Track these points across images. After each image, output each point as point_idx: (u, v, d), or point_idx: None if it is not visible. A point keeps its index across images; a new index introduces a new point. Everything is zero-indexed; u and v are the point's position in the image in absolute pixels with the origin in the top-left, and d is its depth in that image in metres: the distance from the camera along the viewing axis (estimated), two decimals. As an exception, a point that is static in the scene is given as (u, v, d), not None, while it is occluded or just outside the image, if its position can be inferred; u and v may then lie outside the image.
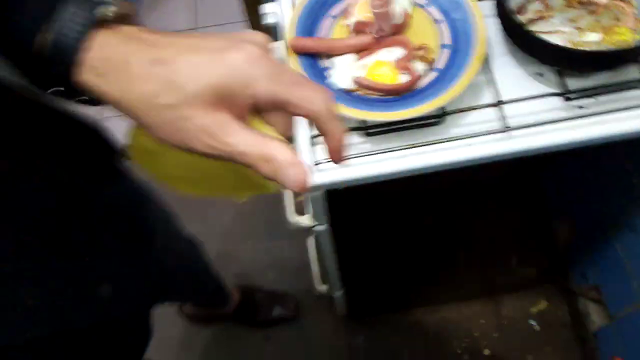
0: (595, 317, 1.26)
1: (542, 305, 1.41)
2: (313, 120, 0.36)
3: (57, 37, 0.33)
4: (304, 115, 0.35)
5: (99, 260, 0.59)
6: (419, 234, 1.47)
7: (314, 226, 0.83)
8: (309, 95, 0.35)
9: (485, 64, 0.71)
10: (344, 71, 0.69)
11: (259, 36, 0.36)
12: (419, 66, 0.68)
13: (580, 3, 0.69)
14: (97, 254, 0.59)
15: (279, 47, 0.72)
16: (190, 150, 0.34)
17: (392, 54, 0.69)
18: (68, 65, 0.33)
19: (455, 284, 1.44)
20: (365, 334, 1.41)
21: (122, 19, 0.35)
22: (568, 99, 0.68)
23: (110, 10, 0.34)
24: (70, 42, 0.33)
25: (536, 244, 1.44)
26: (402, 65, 0.68)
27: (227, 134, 0.33)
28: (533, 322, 1.40)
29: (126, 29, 0.35)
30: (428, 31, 0.71)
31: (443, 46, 0.70)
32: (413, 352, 1.38)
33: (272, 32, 0.78)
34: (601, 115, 0.68)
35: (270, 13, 0.79)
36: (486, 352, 1.37)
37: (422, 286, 1.44)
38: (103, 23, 0.34)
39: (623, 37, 0.67)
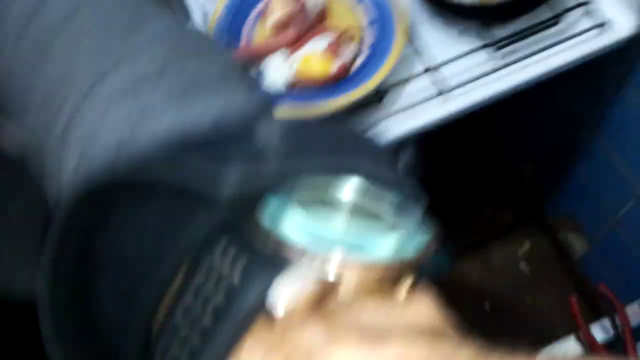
0: (577, 245, 1.30)
1: (527, 246, 1.46)
2: None
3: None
4: None
5: None
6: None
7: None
8: None
9: (411, 33, 0.74)
10: (277, 71, 0.70)
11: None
12: (349, 49, 0.70)
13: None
14: None
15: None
16: None
17: (320, 43, 0.71)
18: None
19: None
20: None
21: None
22: (493, 48, 0.71)
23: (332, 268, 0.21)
24: None
25: (506, 189, 1.48)
26: (332, 51, 0.70)
27: None
28: (523, 265, 1.44)
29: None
30: (350, 13, 0.73)
31: (367, 25, 0.72)
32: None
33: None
34: (527, 59, 0.71)
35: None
36: (486, 306, 1.41)
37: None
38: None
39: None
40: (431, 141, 0.79)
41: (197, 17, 0.78)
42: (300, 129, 0.26)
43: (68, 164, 0.27)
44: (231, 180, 0.22)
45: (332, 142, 0.26)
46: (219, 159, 0.23)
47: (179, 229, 0.24)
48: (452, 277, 1.44)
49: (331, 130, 0.27)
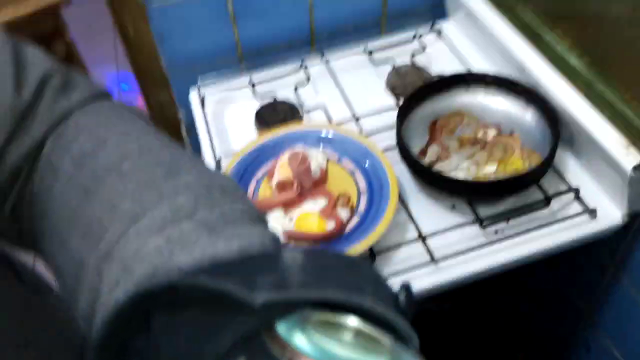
0: None
1: None
2: None
3: None
4: None
5: None
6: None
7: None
8: None
9: (402, 203, 0.77)
10: (274, 226, 0.73)
11: None
12: (343, 213, 0.74)
13: (472, 142, 0.78)
14: None
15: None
16: None
17: (316, 204, 0.75)
18: None
19: None
20: None
21: None
22: (482, 225, 0.74)
23: None
24: None
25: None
26: (327, 213, 0.73)
27: None
28: None
29: None
30: (345, 181, 0.78)
31: (361, 192, 0.76)
32: None
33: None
34: (517, 237, 0.73)
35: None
36: None
37: None
38: None
39: (515, 165, 0.75)
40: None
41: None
42: (316, 257, 0.29)
43: (110, 279, 0.31)
44: (261, 292, 0.26)
45: (345, 272, 0.29)
46: (249, 275, 0.27)
47: (213, 335, 0.27)
48: None
49: (346, 260, 0.31)
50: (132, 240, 0.31)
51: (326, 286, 0.27)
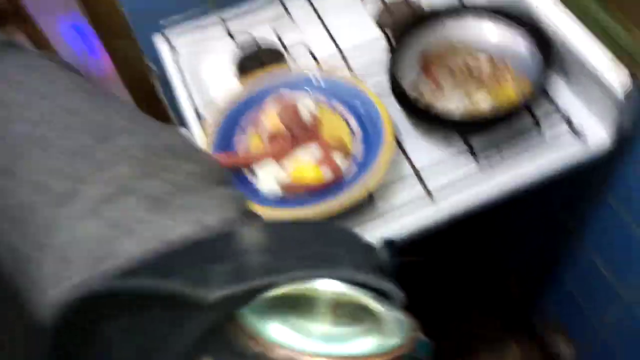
0: (565, 350, 1.28)
1: (516, 353, 1.42)
2: None
3: None
4: None
5: None
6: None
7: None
8: None
9: (396, 140, 0.76)
10: (269, 178, 0.71)
11: None
12: (339, 159, 0.72)
13: (463, 72, 0.76)
14: None
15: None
16: None
17: (309, 152, 0.73)
18: None
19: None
20: None
21: None
22: (476, 156, 0.74)
23: None
24: None
25: (494, 297, 1.47)
26: (322, 161, 0.72)
27: None
28: (512, 373, 1.40)
29: None
30: (338, 125, 0.76)
31: (355, 135, 0.74)
32: None
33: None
34: (510, 164, 0.74)
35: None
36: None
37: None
38: None
39: (507, 94, 0.74)
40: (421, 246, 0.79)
41: (194, 126, 0.81)
42: (280, 232, 0.27)
43: (48, 272, 0.27)
44: (215, 286, 0.23)
45: (312, 244, 0.26)
46: (201, 267, 0.24)
47: (170, 335, 0.24)
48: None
49: (312, 230, 0.28)
50: (67, 225, 0.27)
51: (292, 266, 0.24)
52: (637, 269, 0.89)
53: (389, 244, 0.28)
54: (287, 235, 0.26)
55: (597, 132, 0.76)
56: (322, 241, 0.26)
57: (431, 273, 1.47)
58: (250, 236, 0.26)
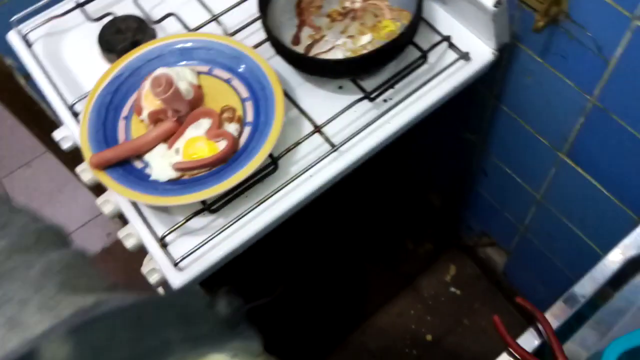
0: (497, 258, 1.35)
1: (452, 270, 1.49)
2: None
3: None
4: None
5: None
6: (318, 267, 1.48)
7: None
8: None
9: (290, 99, 0.74)
10: (161, 163, 0.67)
11: None
12: (231, 128, 0.69)
13: (341, 15, 0.74)
14: None
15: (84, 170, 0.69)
16: None
17: (200, 127, 0.69)
18: None
19: (373, 292, 1.46)
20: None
21: None
22: (371, 99, 0.73)
23: None
24: None
25: (421, 220, 1.52)
26: (214, 133, 0.68)
27: None
28: (453, 289, 1.47)
29: None
30: (224, 92, 0.72)
31: (244, 100, 0.71)
32: (367, 374, 1.38)
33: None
34: (405, 99, 0.74)
35: (63, 138, 0.75)
36: (428, 337, 1.41)
37: (345, 311, 1.44)
38: None
39: (388, 29, 0.73)
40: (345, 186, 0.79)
41: (71, 123, 0.74)
42: (89, 335, 0.24)
43: None
44: None
45: (129, 339, 0.24)
46: None
47: None
48: (392, 321, 1.43)
49: (129, 321, 0.25)
50: None
51: None
52: (539, 168, 0.93)
53: (228, 292, 0.26)
54: (100, 336, 0.24)
55: (479, 49, 0.77)
56: (142, 332, 0.24)
57: (359, 210, 1.49)
58: (54, 351, 0.23)
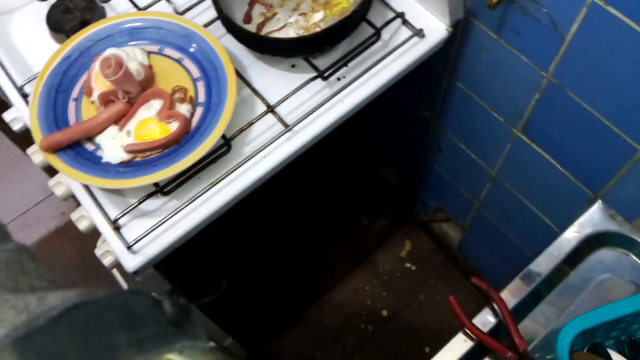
0: (452, 234, 1.38)
1: (408, 246, 1.52)
2: None
3: None
4: None
5: None
6: (272, 247, 1.48)
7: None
8: None
9: (242, 78, 0.73)
10: (113, 145, 0.66)
11: None
12: (183, 108, 0.68)
13: (293, -8, 0.73)
14: None
15: (35, 152, 0.67)
16: None
17: (151, 109, 0.67)
18: None
19: (329, 268, 1.48)
20: None
21: None
22: (325, 77, 0.72)
23: None
24: None
25: (376, 196, 1.54)
26: (166, 114, 0.67)
27: None
28: (408, 265, 1.50)
29: None
30: (175, 72, 0.70)
31: (196, 80, 0.70)
32: (325, 350, 1.40)
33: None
34: (359, 78, 0.74)
35: (13, 120, 0.73)
36: (384, 313, 1.44)
37: (301, 287, 1.45)
38: None
39: (341, 5, 0.73)
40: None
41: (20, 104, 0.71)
42: (32, 344, 0.23)
43: None
44: None
45: (75, 345, 0.24)
46: None
47: None
48: (348, 296, 1.46)
49: (78, 328, 0.25)
50: None
51: None
52: (494, 144, 0.95)
53: (175, 292, 0.26)
54: (43, 350, 0.23)
55: (432, 25, 0.77)
56: (88, 338, 0.24)
57: (314, 187, 1.50)
58: None
